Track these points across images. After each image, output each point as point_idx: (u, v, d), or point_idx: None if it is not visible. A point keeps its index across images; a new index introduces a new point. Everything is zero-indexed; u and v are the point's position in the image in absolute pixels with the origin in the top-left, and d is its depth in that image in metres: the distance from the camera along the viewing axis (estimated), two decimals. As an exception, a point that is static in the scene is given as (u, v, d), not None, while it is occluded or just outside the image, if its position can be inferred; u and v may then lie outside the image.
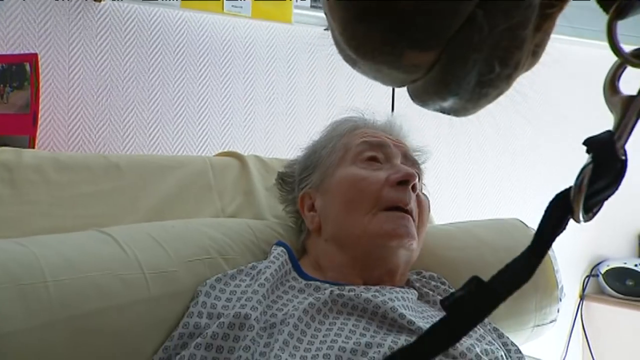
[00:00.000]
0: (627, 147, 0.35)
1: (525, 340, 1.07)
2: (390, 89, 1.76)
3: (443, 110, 0.34)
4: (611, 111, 0.36)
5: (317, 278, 0.89)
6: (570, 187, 0.34)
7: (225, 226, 0.94)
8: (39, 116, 1.41)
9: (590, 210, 0.35)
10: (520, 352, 0.87)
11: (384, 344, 0.74)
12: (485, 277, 1.11)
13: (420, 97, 0.33)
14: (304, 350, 0.75)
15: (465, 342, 0.79)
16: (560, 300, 1.05)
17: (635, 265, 2.32)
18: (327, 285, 0.85)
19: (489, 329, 0.89)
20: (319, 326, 0.79)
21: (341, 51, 0.32)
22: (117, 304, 0.71)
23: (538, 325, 1.05)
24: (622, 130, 0.34)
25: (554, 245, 0.37)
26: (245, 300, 0.79)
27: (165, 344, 0.76)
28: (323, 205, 0.94)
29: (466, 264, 1.03)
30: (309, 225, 0.96)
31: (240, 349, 0.73)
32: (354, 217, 0.88)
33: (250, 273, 0.86)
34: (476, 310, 0.36)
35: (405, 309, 0.82)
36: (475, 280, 0.36)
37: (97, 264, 0.73)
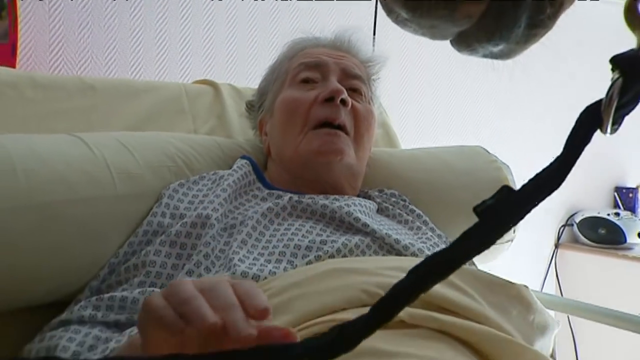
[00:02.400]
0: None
1: (481, 260, 1.11)
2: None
3: (492, 55, 0.36)
4: (632, 31, 0.37)
5: (280, 188, 0.94)
6: (600, 100, 0.35)
7: (194, 140, 0.99)
8: (19, 48, 1.43)
9: (616, 122, 0.36)
10: None
11: (337, 241, 0.79)
12: (444, 199, 1.14)
13: (471, 44, 0.34)
14: (262, 248, 0.80)
15: (406, 241, 0.83)
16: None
17: (608, 215, 2.39)
18: (288, 194, 0.90)
19: (438, 234, 0.94)
20: (277, 227, 0.83)
21: (390, 13, 0.33)
22: (84, 196, 0.76)
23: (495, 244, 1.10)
24: None
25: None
26: (207, 202, 0.84)
27: (130, 240, 0.81)
28: (270, 128, 1.01)
29: (429, 186, 1.07)
30: (264, 148, 1.03)
31: (201, 245, 0.78)
32: (289, 138, 0.94)
33: (212, 178, 0.91)
34: (507, 215, 0.35)
35: (361, 214, 0.87)
36: (505, 189, 0.36)
37: (66, 160, 0.77)
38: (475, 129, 2.28)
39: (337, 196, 0.91)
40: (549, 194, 0.35)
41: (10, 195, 0.69)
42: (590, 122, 0.36)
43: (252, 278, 0.72)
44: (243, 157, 0.98)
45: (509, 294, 0.75)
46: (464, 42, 0.35)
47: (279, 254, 0.78)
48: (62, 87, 1.04)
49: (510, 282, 0.76)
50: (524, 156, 2.00)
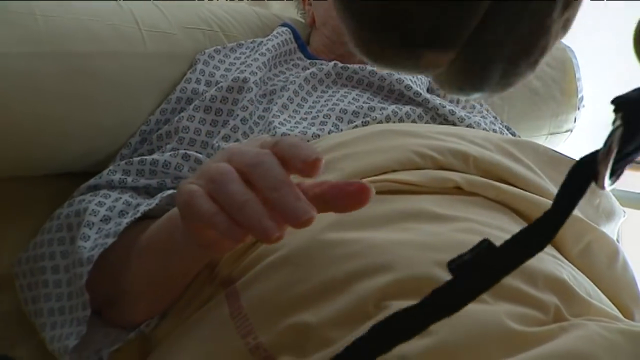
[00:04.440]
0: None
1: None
2: None
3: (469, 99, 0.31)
4: (639, 60, 0.32)
5: (324, 58, 0.86)
6: (596, 151, 0.31)
7: (228, 6, 0.90)
8: None
9: (615, 174, 0.32)
10: None
11: (387, 108, 0.72)
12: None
13: (444, 88, 0.31)
14: (304, 113, 0.73)
15: (461, 113, 0.76)
16: (579, 109, 1.00)
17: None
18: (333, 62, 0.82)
19: (494, 115, 0.86)
20: (320, 94, 0.76)
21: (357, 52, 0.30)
22: (110, 50, 0.69)
23: (552, 134, 1.01)
24: None
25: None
26: (245, 67, 0.77)
27: (162, 107, 0.75)
28: None
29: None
30: (308, 19, 0.95)
31: (238, 109, 0.72)
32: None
33: (251, 46, 0.83)
34: (485, 276, 0.34)
35: (413, 84, 0.79)
36: (485, 243, 0.34)
37: (89, 11, 0.70)
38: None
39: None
40: (535, 253, 0.33)
41: (31, 39, 0.63)
42: (585, 175, 0.32)
43: (294, 140, 0.66)
44: (283, 25, 0.90)
45: (573, 172, 0.68)
46: (437, 83, 0.31)
47: (324, 117, 0.71)
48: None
49: (575, 159, 0.69)
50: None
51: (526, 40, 0.28)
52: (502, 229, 0.51)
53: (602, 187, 0.32)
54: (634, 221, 1.02)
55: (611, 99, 0.32)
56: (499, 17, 0.26)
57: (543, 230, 0.34)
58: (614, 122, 0.32)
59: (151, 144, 0.74)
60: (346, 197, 0.39)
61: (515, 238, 0.34)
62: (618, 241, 0.72)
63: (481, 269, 0.34)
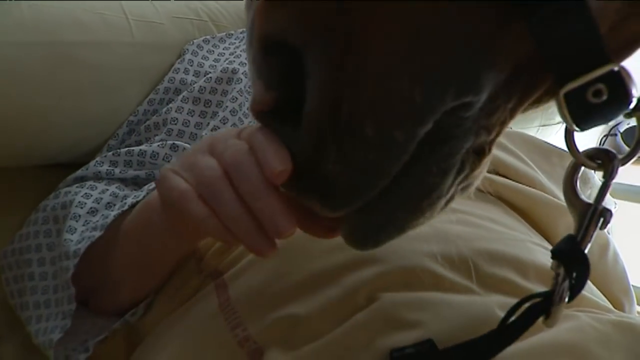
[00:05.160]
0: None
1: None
2: None
3: None
4: (571, 212, 0.37)
5: None
6: (551, 292, 0.35)
7: (220, -4, 0.89)
8: None
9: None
10: None
11: None
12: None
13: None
14: None
15: None
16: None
17: (657, 123, 2.25)
18: None
19: None
20: None
21: None
22: (97, 40, 0.68)
23: (544, 125, 1.01)
24: (583, 234, 0.35)
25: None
26: (234, 57, 0.76)
27: (150, 97, 0.74)
28: None
29: None
30: None
31: (227, 100, 0.71)
32: None
33: (240, 37, 0.82)
34: None
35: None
36: (429, 344, 0.37)
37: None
38: None
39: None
40: None
41: (16, 28, 0.62)
42: (537, 313, 0.35)
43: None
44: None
45: (565, 165, 0.68)
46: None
47: None
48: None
49: (566, 152, 0.69)
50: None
51: (405, 215, 0.32)
52: (493, 220, 0.51)
53: (551, 326, 0.35)
54: (625, 213, 1.02)
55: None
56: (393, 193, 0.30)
57: (486, 347, 0.36)
58: (556, 270, 0.35)
59: (139, 135, 0.73)
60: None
61: (458, 347, 0.36)
62: (609, 233, 0.73)
63: None
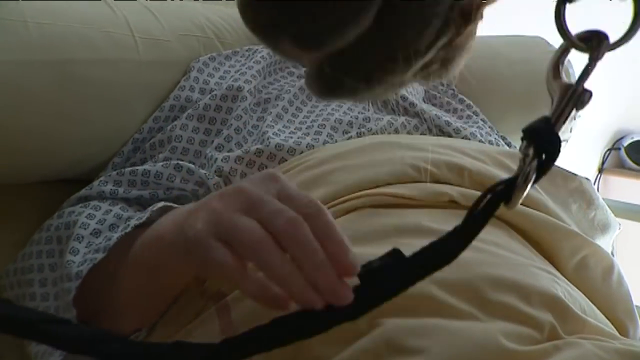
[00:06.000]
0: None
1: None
2: None
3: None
4: (550, 95, 0.36)
5: None
6: (514, 178, 0.35)
7: (224, 12, 0.89)
8: None
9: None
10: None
11: (382, 119, 0.72)
12: (496, 90, 1.06)
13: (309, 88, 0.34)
14: (299, 123, 0.73)
15: (457, 124, 0.76)
16: (575, 119, 1.00)
17: (661, 138, 2.25)
18: None
19: (489, 126, 0.85)
20: (315, 103, 0.76)
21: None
22: (103, 57, 0.68)
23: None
24: (557, 116, 0.35)
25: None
26: (239, 75, 0.76)
27: (155, 114, 0.74)
28: None
29: (479, 74, 0.97)
30: None
31: (232, 119, 0.71)
32: None
33: (246, 54, 0.82)
34: (392, 283, 0.36)
35: (408, 94, 0.78)
36: (396, 253, 0.37)
37: (82, 17, 0.69)
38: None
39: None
40: (442, 266, 0.36)
41: (23, 47, 0.62)
42: (499, 199, 0.35)
43: (288, 151, 0.65)
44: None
45: (569, 187, 0.68)
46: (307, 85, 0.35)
47: (318, 127, 0.71)
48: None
49: (572, 173, 0.68)
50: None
51: (377, 65, 0.30)
52: (497, 244, 0.50)
53: (512, 208, 0.36)
54: (629, 232, 1.02)
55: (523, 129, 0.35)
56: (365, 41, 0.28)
57: (449, 244, 0.36)
58: (525, 152, 0.35)
59: (144, 152, 0.73)
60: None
61: (422, 250, 0.36)
62: (613, 253, 0.72)
63: (388, 277, 0.36)
